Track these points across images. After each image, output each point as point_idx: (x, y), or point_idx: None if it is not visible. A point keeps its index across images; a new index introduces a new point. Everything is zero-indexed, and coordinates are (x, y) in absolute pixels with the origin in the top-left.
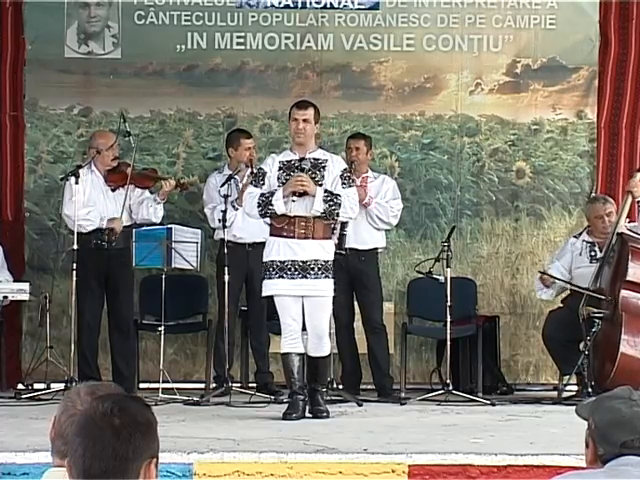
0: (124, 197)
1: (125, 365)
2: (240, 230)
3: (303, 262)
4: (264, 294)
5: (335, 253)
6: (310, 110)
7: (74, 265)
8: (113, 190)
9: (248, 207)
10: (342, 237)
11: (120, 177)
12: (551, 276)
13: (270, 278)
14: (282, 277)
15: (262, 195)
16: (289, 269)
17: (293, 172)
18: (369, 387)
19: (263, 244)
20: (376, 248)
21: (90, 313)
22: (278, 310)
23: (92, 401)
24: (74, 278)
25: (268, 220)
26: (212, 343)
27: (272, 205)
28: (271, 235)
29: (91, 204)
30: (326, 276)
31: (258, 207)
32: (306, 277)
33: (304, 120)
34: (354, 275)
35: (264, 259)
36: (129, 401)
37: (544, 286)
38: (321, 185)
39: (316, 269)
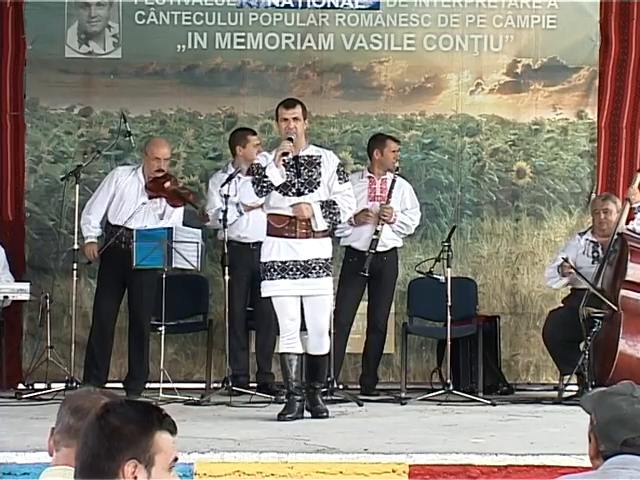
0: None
1: (138, 366)
2: (244, 230)
3: (305, 262)
4: (265, 295)
5: (366, 252)
6: (298, 108)
7: (74, 265)
8: (150, 198)
9: (246, 195)
10: (374, 241)
11: (157, 187)
12: (572, 267)
13: (271, 279)
14: (284, 277)
15: (254, 176)
16: (290, 269)
17: (289, 171)
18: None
19: None
20: (395, 247)
21: (104, 312)
22: (276, 310)
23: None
24: (74, 278)
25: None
26: (212, 343)
27: (266, 177)
28: (270, 235)
29: (124, 202)
30: (327, 274)
31: (253, 185)
32: (308, 276)
33: (294, 119)
34: (372, 275)
35: (263, 259)
36: (120, 406)
37: (562, 275)
38: (319, 183)
39: (317, 268)
